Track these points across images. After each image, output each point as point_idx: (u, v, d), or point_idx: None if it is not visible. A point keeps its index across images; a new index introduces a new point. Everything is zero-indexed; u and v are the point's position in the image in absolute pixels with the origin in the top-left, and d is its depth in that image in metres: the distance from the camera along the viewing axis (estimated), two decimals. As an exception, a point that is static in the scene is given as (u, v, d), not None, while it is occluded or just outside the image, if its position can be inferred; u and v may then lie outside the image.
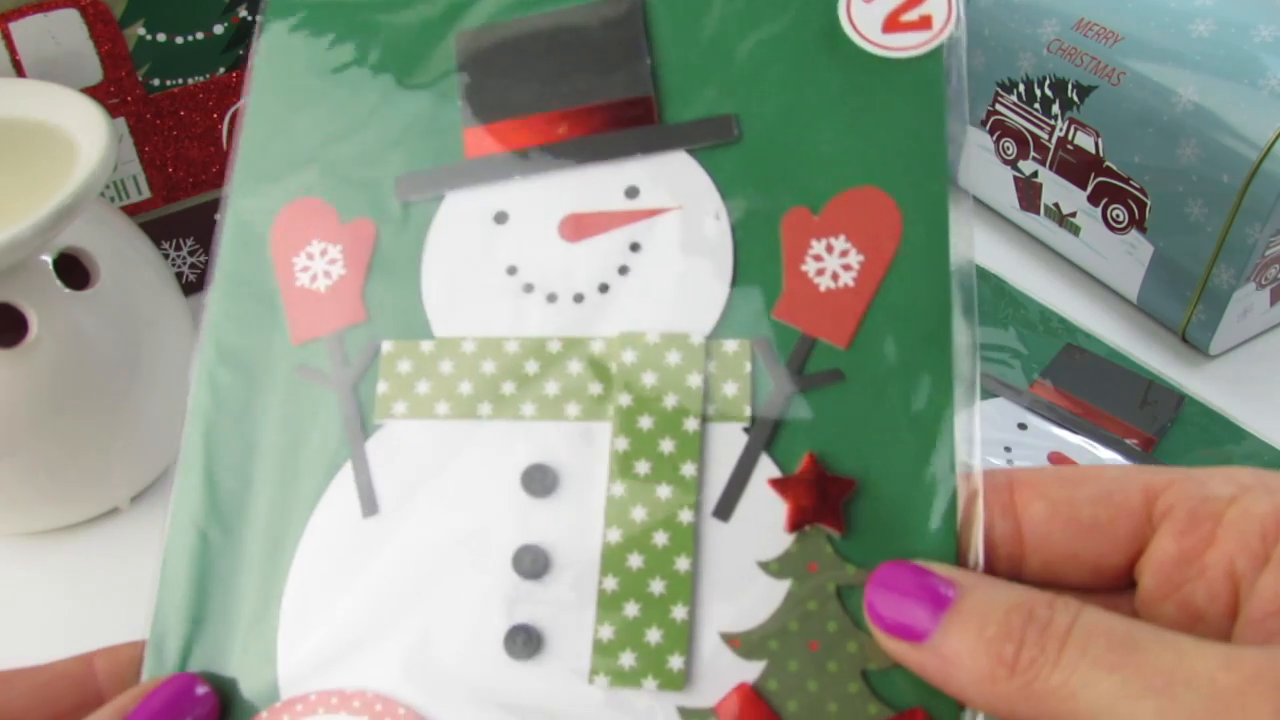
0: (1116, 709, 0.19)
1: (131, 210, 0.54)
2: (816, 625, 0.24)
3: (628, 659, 0.24)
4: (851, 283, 0.25)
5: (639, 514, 0.25)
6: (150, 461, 0.49)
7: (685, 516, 0.24)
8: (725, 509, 0.25)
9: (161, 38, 0.52)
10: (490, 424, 0.26)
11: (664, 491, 0.25)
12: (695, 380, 0.25)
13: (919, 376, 0.24)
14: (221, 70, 0.54)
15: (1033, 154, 0.61)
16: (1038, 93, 0.59)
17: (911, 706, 0.23)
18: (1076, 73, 0.56)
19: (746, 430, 0.25)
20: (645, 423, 0.25)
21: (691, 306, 0.26)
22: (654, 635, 0.24)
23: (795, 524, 0.24)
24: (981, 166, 0.66)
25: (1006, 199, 0.65)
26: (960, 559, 0.24)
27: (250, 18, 0.53)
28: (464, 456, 0.26)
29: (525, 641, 0.24)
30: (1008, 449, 0.49)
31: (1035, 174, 0.62)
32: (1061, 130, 0.58)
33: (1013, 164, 0.63)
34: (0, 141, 0.45)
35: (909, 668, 0.23)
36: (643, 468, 0.25)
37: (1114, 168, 0.56)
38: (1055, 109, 0.58)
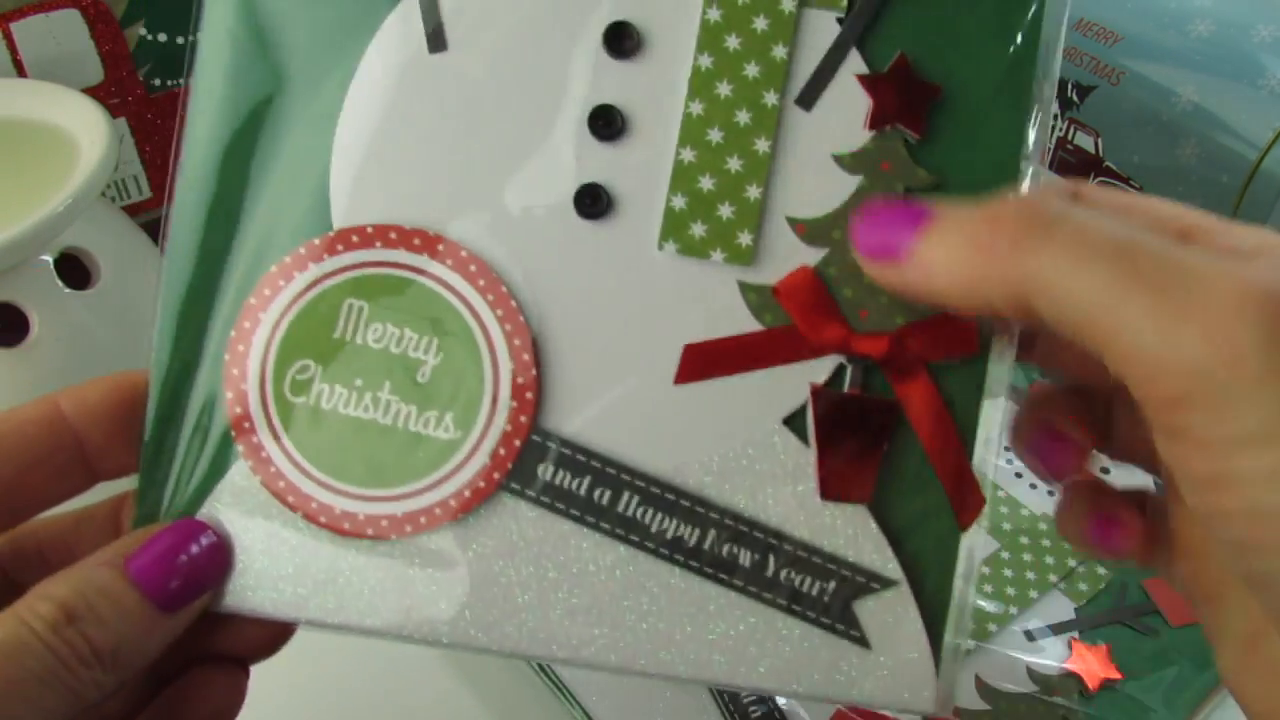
0: (1102, 299, 0.19)
1: (132, 210, 0.54)
2: None
3: (699, 229, 0.24)
4: None
5: (724, 89, 0.24)
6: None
7: (770, 98, 0.24)
8: (809, 98, 0.24)
9: (163, 38, 0.52)
10: None
11: (752, 70, 0.24)
12: None
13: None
14: (222, 70, 0.54)
15: (1033, 154, 0.61)
16: (1038, 93, 0.59)
17: None
18: (1076, 73, 0.56)
19: (840, 21, 0.24)
20: None
21: None
22: (726, 210, 0.24)
23: (876, 121, 0.24)
24: (981, 166, 0.66)
25: (1006, 199, 0.65)
26: None
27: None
28: (544, 3, 0.25)
29: (594, 201, 0.24)
30: (1007, 447, 0.49)
31: (1035, 174, 0.61)
32: (1061, 130, 0.58)
33: (1013, 164, 0.63)
34: (1, 141, 0.45)
35: (895, 292, 0.23)
36: (733, 42, 0.24)
37: (1114, 168, 0.56)
38: (1055, 109, 0.58)
